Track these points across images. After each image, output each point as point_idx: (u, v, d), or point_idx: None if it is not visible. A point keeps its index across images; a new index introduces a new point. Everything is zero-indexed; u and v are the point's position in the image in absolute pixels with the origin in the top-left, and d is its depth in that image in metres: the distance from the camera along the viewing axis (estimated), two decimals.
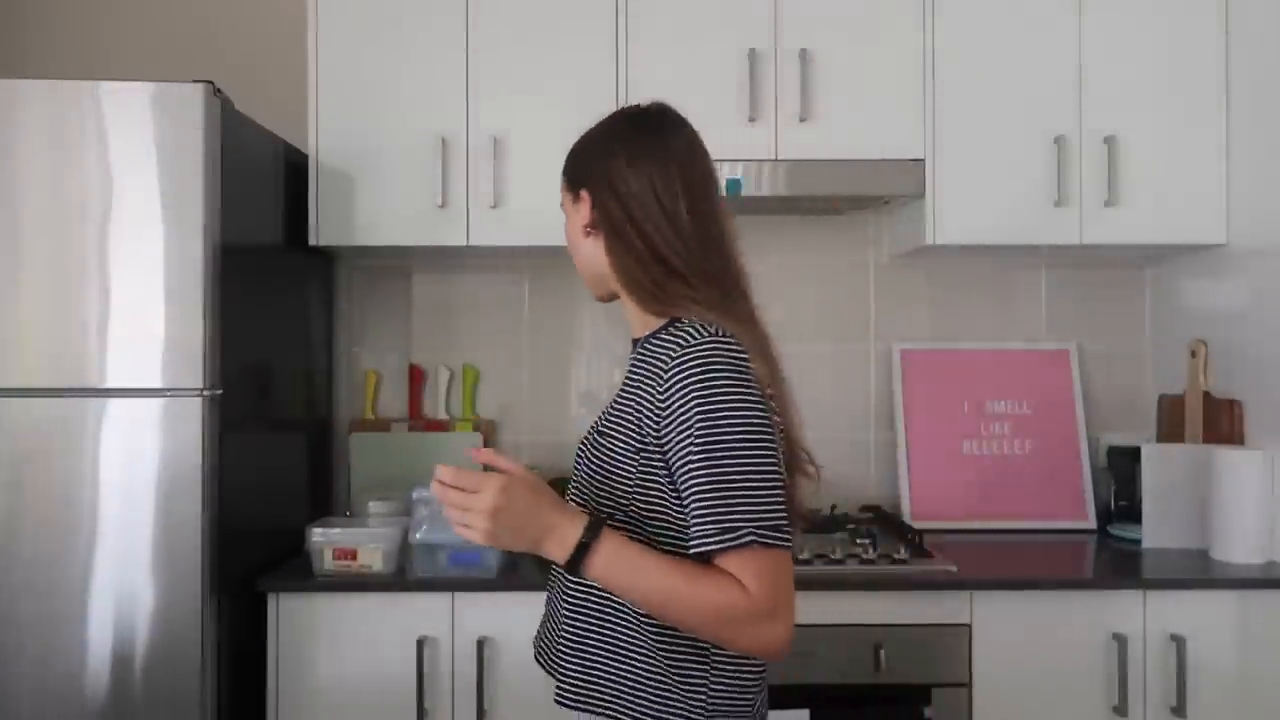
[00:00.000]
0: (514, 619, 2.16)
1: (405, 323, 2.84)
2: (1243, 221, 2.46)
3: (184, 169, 2.01)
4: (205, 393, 2.02)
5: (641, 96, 2.51)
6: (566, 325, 2.85)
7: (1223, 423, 2.49)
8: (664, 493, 1.25)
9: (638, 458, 1.27)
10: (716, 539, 1.18)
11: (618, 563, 1.19)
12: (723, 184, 2.42)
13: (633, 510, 1.27)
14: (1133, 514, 2.55)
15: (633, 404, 1.28)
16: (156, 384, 2.01)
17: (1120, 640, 2.13)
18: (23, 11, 2.82)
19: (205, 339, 2.02)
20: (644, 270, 1.31)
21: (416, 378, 2.82)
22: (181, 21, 2.82)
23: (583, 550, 1.19)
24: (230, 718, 2.10)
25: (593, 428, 1.38)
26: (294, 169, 2.47)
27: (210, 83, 2.04)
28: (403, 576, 2.20)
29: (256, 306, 2.28)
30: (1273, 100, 2.37)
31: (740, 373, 1.21)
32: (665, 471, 1.24)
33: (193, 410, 2.01)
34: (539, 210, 2.44)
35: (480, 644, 2.15)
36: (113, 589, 1.99)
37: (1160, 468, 2.43)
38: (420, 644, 2.14)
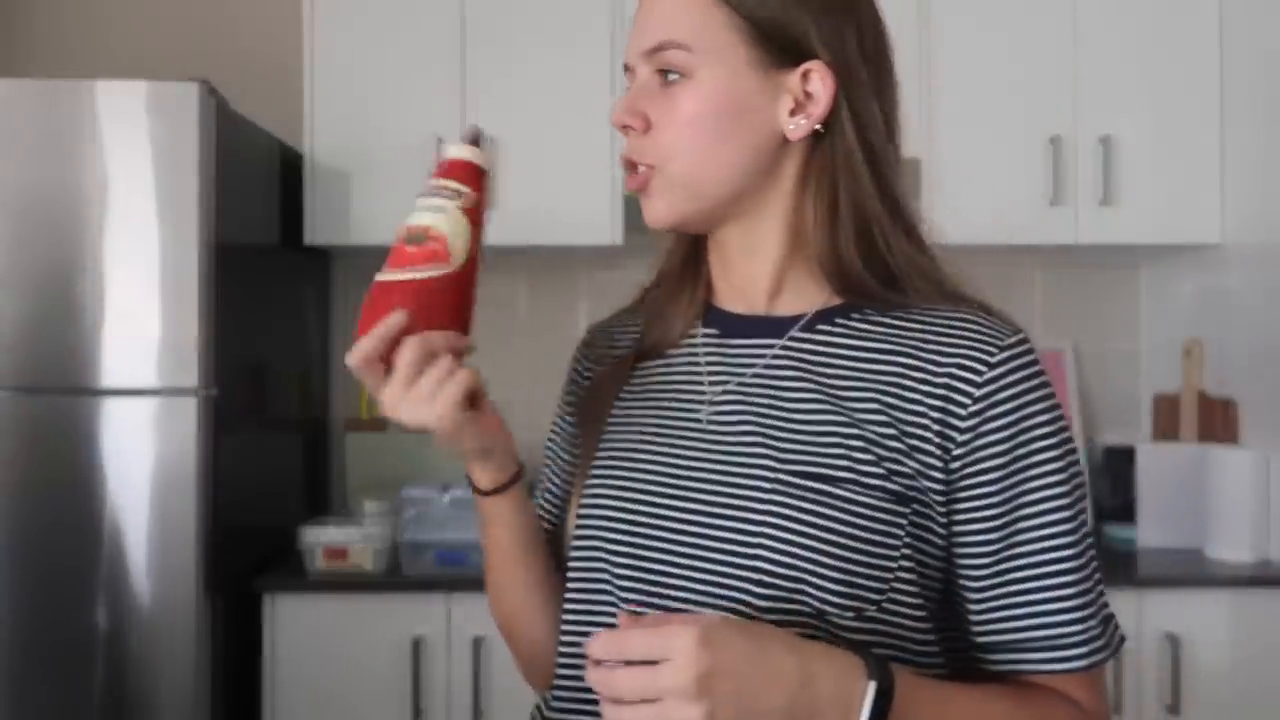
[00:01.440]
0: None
1: None
2: (1238, 221, 2.46)
3: (179, 168, 2.01)
4: (201, 392, 2.02)
5: None
6: (564, 325, 2.85)
7: (1217, 422, 2.49)
8: (929, 571, 0.78)
9: (907, 514, 0.77)
10: (1101, 644, 0.77)
11: (923, 710, 0.72)
12: None
13: (892, 609, 0.76)
14: (1128, 513, 2.55)
15: (858, 425, 0.78)
16: (152, 384, 2.00)
17: None
18: (17, 11, 2.81)
19: (201, 338, 2.01)
20: (885, 209, 0.83)
21: None
22: (176, 21, 2.82)
23: (883, 705, 0.69)
24: (225, 718, 2.09)
25: (698, 471, 0.82)
26: (289, 168, 2.47)
27: (205, 82, 2.04)
28: (396, 576, 2.20)
29: (252, 306, 2.28)
30: (1268, 100, 2.38)
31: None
32: (939, 535, 0.78)
33: (188, 410, 2.01)
34: (536, 210, 2.43)
35: (476, 644, 2.15)
36: (108, 588, 1.98)
37: (1155, 467, 2.44)
38: (416, 644, 2.14)
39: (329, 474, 2.77)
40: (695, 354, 0.88)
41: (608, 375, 0.92)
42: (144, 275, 2.01)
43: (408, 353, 0.79)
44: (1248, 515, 2.27)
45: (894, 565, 0.76)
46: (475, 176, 0.82)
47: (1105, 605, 0.79)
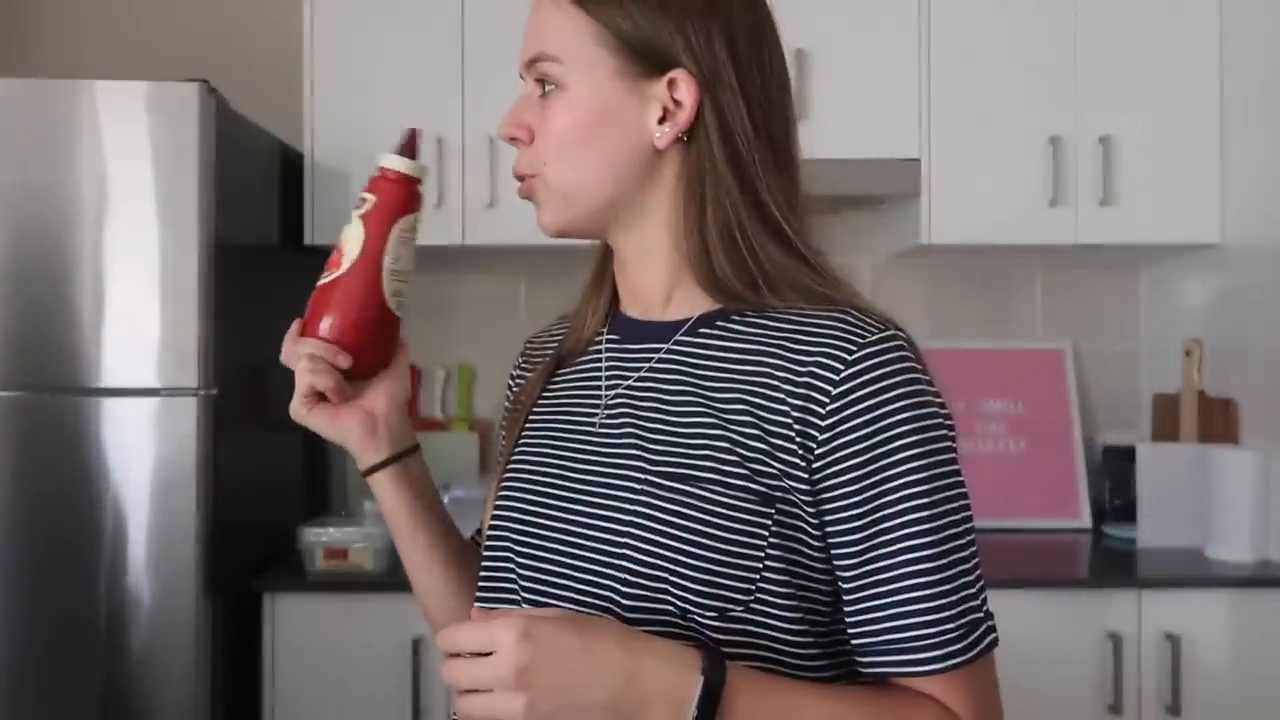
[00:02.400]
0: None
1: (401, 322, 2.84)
2: (1237, 221, 2.46)
3: (179, 168, 2.01)
4: (201, 392, 2.02)
5: None
6: None
7: (1217, 422, 2.49)
8: (804, 572, 0.78)
9: (771, 514, 0.77)
10: (960, 648, 0.75)
11: (766, 712, 0.72)
12: None
13: (760, 609, 0.76)
14: (1128, 513, 2.55)
15: (725, 426, 0.79)
16: (152, 383, 2.00)
17: (1115, 639, 2.13)
18: (17, 11, 2.81)
19: (201, 338, 2.01)
20: (749, 214, 0.82)
21: (412, 377, 2.81)
22: (176, 20, 2.82)
23: (710, 701, 0.70)
24: (225, 718, 2.09)
25: (584, 472, 0.85)
26: (290, 168, 2.47)
27: (205, 81, 2.04)
28: (396, 576, 2.20)
29: (252, 306, 2.28)
30: (1267, 100, 2.38)
31: (937, 390, 0.79)
32: (811, 536, 0.77)
33: (188, 410, 2.01)
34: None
35: None
36: (107, 588, 1.98)
37: (1155, 467, 2.44)
38: (416, 644, 2.14)
39: (329, 474, 2.77)
40: (599, 359, 0.90)
41: (531, 382, 0.95)
42: (144, 275, 2.01)
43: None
44: (1248, 515, 2.27)
45: (759, 566, 0.76)
46: (381, 183, 0.90)
47: (973, 608, 0.76)
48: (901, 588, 0.75)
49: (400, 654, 2.15)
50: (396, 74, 2.47)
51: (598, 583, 0.80)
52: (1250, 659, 2.15)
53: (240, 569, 2.16)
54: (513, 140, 0.87)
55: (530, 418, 0.93)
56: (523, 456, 0.90)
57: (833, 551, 0.77)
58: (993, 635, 0.78)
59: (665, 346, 0.85)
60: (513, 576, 0.86)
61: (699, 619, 0.76)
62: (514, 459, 0.91)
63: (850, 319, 0.79)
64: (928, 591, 0.75)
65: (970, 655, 0.75)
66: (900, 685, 0.76)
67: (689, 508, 0.77)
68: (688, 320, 0.85)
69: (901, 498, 0.75)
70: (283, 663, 2.16)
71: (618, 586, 0.78)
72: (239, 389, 2.18)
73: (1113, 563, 2.34)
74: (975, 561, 0.78)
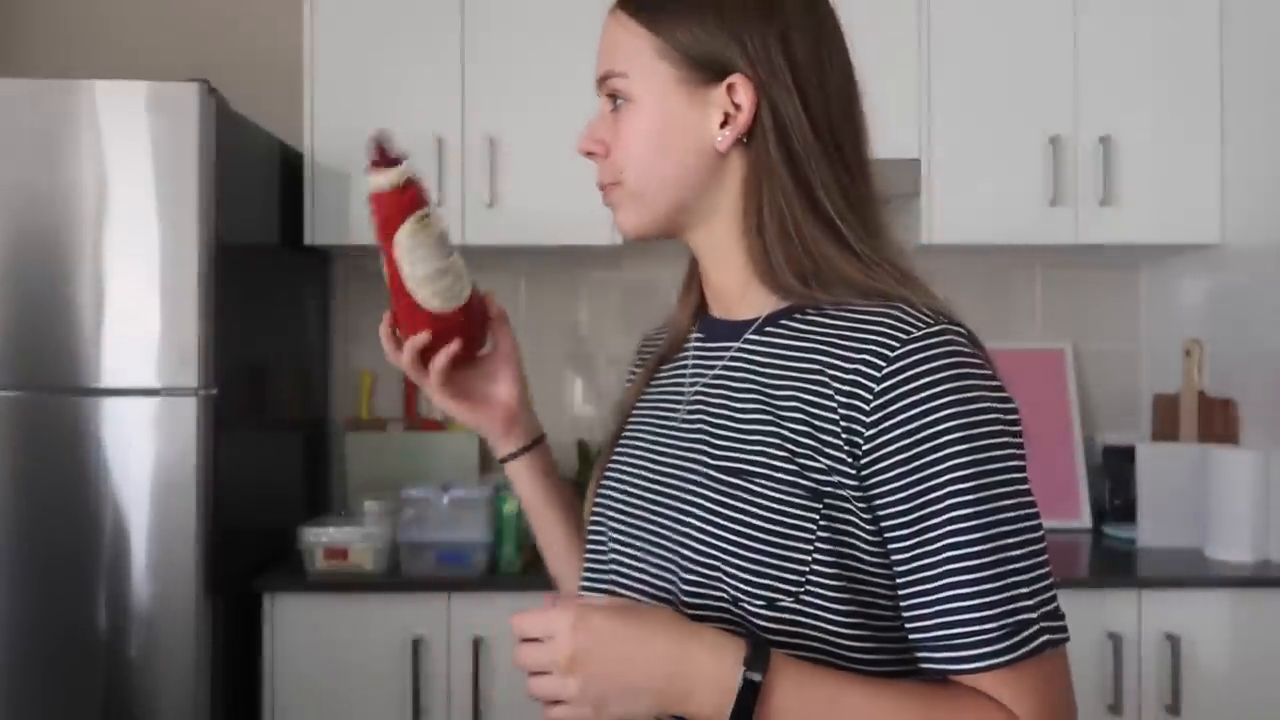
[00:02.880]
0: (509, 619, 2.16)
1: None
2: (1238, 221, 2.46)
3: (179, 168, 2.01)
4: (201, 392, 2.02)
5: None
6: (562, 325, 2.85)
7: (1217, 422, 2.49)
8: (860, 568, 0.78)
9: (819, 509, 0.78)
10: (1001, 648, 0.74)
11: (808, 703, 0.74)
12: None
13: (811, 601, 0.78)
14: (1128, 513, 2.55)
15: (778, 423, 0.82)
16: (152, 383, 2.01)
17: (1115, 639, 2.13)
18: (17, 11, 2.81)
19: (201, 338, 2.01)
20: (803, 211, 0.84)
21: None
22: (176, 20, 2.82)
23: (752, 689, 0.73)
24: (225, 718, 2.09)
25: (664, 463, 0.90)
26: (289, 168, 2.47)
27: (205, 81, 2.04)
28: (396, 576, 2.20)
29: (252, 306, 2.28)
30: (1268, 100, 2.38)
31: (997, 385, 0.79)
32: (865, 531, 0.78)
33: (188, 410, 2.01)
34: (535, 210, 2.43)
35: (476, 644, 2.15)
36: (107, 588, 1.98)
37: (1155, 467, 2.44)
38: (415, 644, 2.14)
39: (329, 474, 2.77)
40: (687, 357, 0.96)
41: (637, 379, 1.03)
42: (144, 275, 2.01)
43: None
44: (1248, 515, 2.27)
45: (808, 559, 0.78)
46: (371, 206, 0.97)
47: (1023, 608, 0.75)
48: (945, 585, 0.75)
49: (400, 654, 2.15)
50: (396, 74, 2.47)
51: (664, 570, 0.86)
52: (1250, 659, 2.15)
53: (240, 569, 2.16)
54: (590, 155, 0.92)
55: (633, 413, 1.00)
56: (621, 448, 0.98)
57: (888, 546, 0.78)
58: (1047, 637, 0.76)
59: (736, 345, 0.89)
60: (609, 560, 0.93)
61: (748, 608, 0.79)
62: (615, 451, 0.99)
63: (899, 313, 0.79)
64: (970, 590, 0.74)
65: (1014, 656, 0.74)
66: (959, 683, 0.76)
67: (739, 500, 0.81)
68: (757, 319, 0.88)
69: (946, 494, 0.75)
70: (283, 663, 2.16)
71: (679, 574, 0.84)
72: (239, 389, 2.18)
73: (1113, 563, 2.34)
74: (1032, 562, 0.77)
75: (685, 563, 0.83)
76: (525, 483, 1.06)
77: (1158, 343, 2.80)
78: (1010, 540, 0.76)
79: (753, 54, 0.84)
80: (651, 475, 0.91)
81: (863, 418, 0.77)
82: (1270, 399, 2.36)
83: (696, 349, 0.94)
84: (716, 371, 0.90)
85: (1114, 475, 2.65)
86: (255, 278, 2.31)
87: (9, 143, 2.00)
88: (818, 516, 0.78)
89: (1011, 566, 0.76)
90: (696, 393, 0.91)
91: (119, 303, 2.00)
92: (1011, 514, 0.76)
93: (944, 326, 0.78)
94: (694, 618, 0.80)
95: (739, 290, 0.90)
